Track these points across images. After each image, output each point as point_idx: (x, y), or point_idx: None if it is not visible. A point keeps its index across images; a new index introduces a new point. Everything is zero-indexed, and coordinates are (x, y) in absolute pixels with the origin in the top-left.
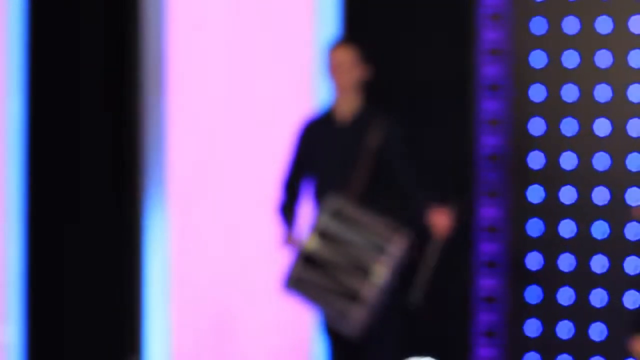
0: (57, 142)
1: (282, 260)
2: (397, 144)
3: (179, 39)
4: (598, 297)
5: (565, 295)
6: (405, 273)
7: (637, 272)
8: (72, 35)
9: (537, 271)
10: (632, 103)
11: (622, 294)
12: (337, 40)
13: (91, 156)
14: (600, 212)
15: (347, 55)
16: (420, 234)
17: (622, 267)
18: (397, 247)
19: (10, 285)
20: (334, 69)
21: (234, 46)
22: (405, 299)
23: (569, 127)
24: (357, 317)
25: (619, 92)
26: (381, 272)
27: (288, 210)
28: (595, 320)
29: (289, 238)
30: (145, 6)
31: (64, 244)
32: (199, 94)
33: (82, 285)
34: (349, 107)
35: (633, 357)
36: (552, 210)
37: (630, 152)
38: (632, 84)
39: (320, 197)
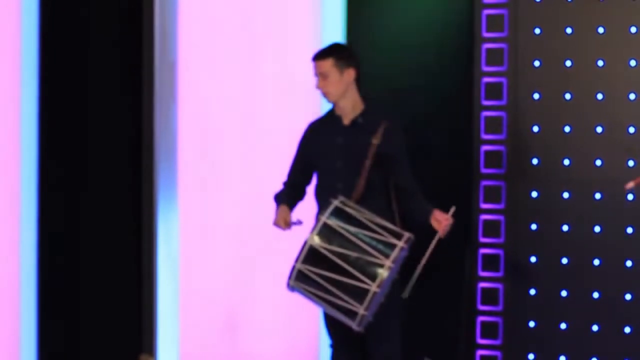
0: (69, 136)
1: (290, 261)
2: (397, 144)
3: (191, 41)
4: (597, 297)
5: (565, 296)
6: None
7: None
8: (86, 26)
9: (538, 272)
10: (630, 108)
11: (622, 294)
12: (316, 51)
13: (101, 156)
14: (600, 213)
15: (323, 66)
16: (421, 233)
17: (622, 267)
18: (399, 244)
19: (24, 286)
20: (316, 79)
21: (244, 44)
22: (399, 292)
23: (569, 130)
24: (360, 314)
25: (617, 97)
26: (384, 270)
27: (285, 196)
28: (595, 321)
29: (281, 218)
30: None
31: (76, 240)
32: (209, 94)
33: (94, 287)
34: (349, 109)
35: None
36: (552, 211)
37: (629, 155)
38: (630, 90)
39: (322, 196)
